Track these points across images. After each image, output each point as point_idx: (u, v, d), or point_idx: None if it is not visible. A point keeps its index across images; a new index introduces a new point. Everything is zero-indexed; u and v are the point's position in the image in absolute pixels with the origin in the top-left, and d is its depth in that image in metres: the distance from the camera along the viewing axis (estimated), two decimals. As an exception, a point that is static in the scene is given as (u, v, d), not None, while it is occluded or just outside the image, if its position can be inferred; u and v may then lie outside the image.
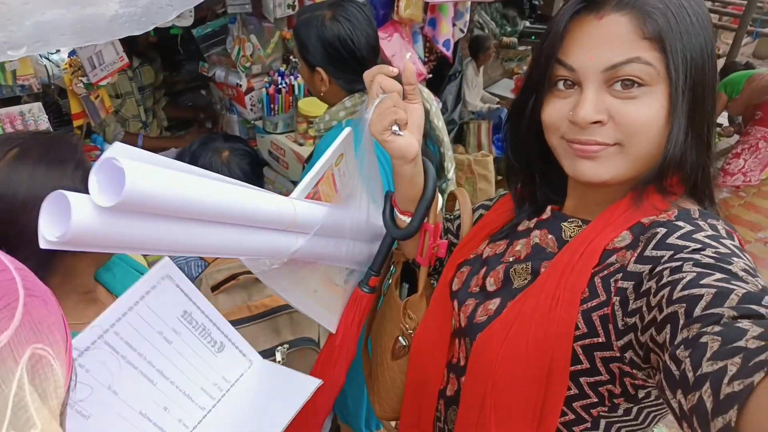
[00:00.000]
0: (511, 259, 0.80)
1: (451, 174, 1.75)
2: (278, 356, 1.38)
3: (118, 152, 0.54)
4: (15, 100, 1.73)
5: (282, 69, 2.36)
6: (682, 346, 0.48)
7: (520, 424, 0.70)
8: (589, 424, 0.70)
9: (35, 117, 1.67)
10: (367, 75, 0.79)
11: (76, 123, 1.90)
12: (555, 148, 0.73)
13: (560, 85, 0.69)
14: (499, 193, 1.35)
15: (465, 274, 0.86)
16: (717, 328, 0.46)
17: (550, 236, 0.77)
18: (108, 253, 0.87)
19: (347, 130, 0.90)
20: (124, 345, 0.69)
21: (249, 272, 1.52)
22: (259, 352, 0.89)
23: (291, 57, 2.36)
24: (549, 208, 0.80)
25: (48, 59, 1.77)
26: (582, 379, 0.67)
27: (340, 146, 0.89)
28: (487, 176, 2.96)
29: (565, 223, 0.76)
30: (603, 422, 0.70)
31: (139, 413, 0.71)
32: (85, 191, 0.52)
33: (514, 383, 0.70)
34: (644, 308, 0.58)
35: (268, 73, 2.34)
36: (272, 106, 2.27)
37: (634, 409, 0.68)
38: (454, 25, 2.40)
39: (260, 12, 2.25)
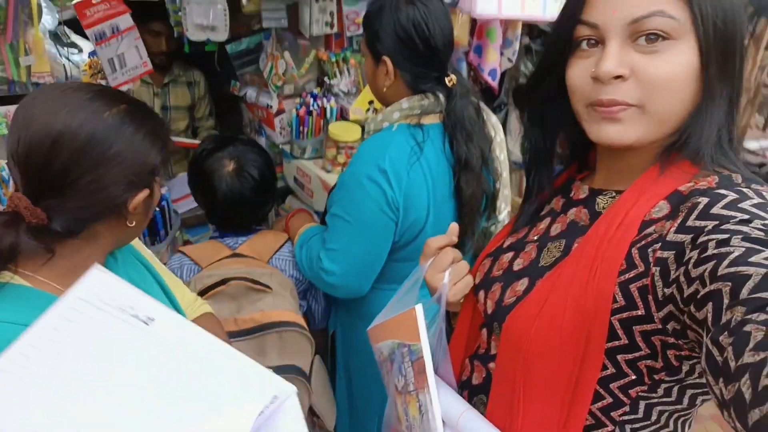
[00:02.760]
0: (535, 238, 0.81)
1: (503, 216, 1.56)
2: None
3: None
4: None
5: (315, 91, 2.22)
6: (726, 333, 0.48)
7: (550, 408, 0.69)
8: (627, 408, 0.68)
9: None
10: (433, 243, 0.88)
11: (90, 128, 1.78)
12: (580, 116, 0.73)
13: (583, 45, 0.69)
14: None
15: (487, 265, 0.88)
16: (763, 317, 0.45)
17: (584, 210, 0.77)
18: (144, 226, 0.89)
19: (419, 309, 0.80)
20: None
21: (243, 278, 1.34)
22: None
23: (326, 79, 2.23)
24: (586, 186, 0.80)
25: (68, 59, 1.67)
26: (620, 357, 0.66)
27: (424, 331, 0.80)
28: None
29: (599, 197, 0.76)
30: (642, 405, 0.68)
31: None
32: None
33: (546, 363, 0.69)
34: (683, 278, 0.57)
35: (301, 94, 2.21)
36: (301, 128, 2.13)
37: (675, 389, 0.66)
38: (501, 54, 2.23)
39: (296, 28, 2.14)
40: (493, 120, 1.55)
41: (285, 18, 2.08)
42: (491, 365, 0.81)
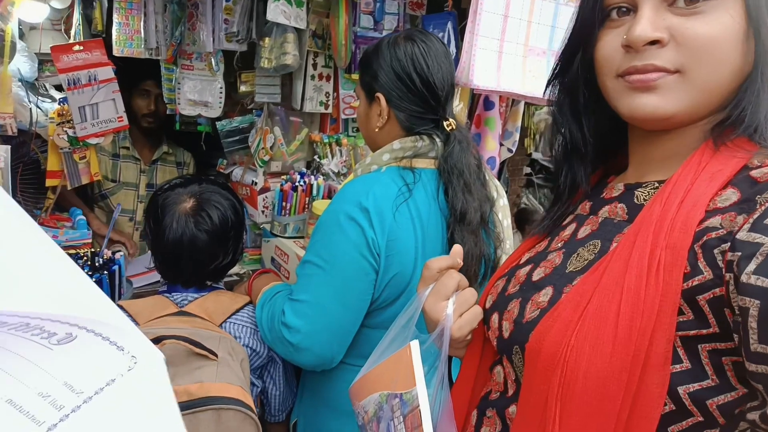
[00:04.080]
0: (559, 245, 0.70)
1: None
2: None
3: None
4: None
5: (304, 170, 2.11)
6: None
7: None
8: None
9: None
10: (434, 264, 0.73)
11: (49, 182, 1.63)
12: (609, 92, 0.64)
13: (614, 14, 0.63)
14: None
15: (500, 285, 0.74)
16: None
17: (620, 205, 0.66)
18: None
19: (415, 345, 0.67)
20: None
21: (183, 338, 1.07)
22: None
23: (316, 158, 2.12)
24: (620, 184, 0.69)
25: (37, 105, 1.57)
26: (682, 389, 0.51)
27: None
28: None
29: (638, 190, 0.65)
30: None
31: None
32: None
33: (591, 383, 0.52)
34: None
35: (288, 172, 2.09)
36: (284, 204, 1.97)
37: None
38: (501, 144, 2.15)
39: (290, 105, 2.08)
40: (496, 183, 1.38)
41: (278, 93, 2.03)
42: (511, 410, 0.65)
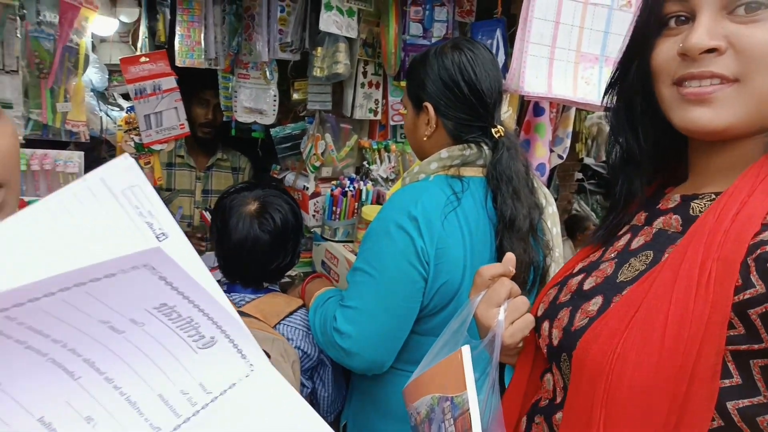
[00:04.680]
0: (613, 255, 0.70)
1: None
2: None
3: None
4: (60, 146, 1.60)
5: (353, 176, 2.15)
6: None
7: None
8: None
9: (68, 163, 1.51)
10: (486, 272, 0.74)
11: (116, 186, 1.73)
12: (663, 101, 0.64)
13: (672, 23, 0.63)
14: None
15: (553, 294, 0.74)
16: None
17: (674, 217, 0.65)
18: None
19: (466, 350, 0.67)
20: (26, 330, 0.42)
21: None
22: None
23: (365, 163, 2.16)
24: (677, 195, 0.68)
25: (107, 114, 1.67)
26: (731, 404, 0.50)
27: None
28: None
29: (694, 201, 0.64)
30: None
31: (38, 421, 0.44)
32: None
33: (637, 393, 0.52)
34: None
35: (338, 178, 2.14)
36: (335, 209, 2.01)
37: None
38: (552, 151, 2.13)
39: (341, 112, 2.13)
40: (544, 190, 1.38)
41: (329, 101, 2.08)
42: (558, 417, 0.66)
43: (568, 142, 2.11)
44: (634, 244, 0.68)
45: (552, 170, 2.26)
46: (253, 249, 1.24)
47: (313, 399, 1.36)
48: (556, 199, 3.06)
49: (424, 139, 1.24)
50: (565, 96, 1.71)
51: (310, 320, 1.27)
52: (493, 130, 1.20)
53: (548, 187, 2.42)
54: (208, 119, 2.27)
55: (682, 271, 0.54)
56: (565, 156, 2.12)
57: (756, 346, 0.50)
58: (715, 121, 0.58)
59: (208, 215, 2.28)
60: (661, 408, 0.51)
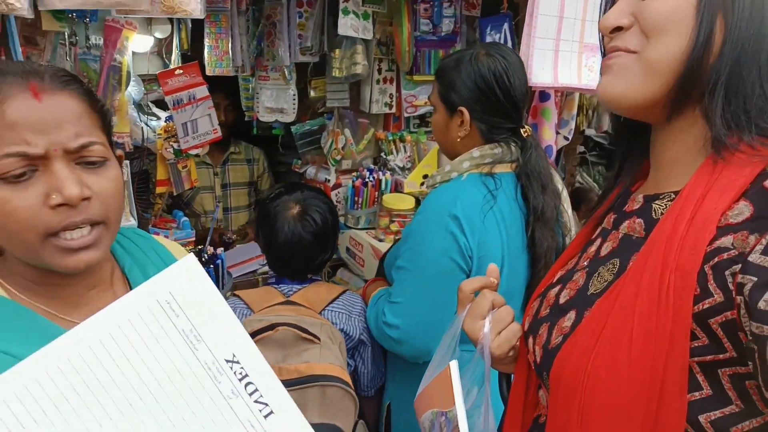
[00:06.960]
0: (585, 263, 0.68)
1: None
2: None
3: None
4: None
5: (372, 167, 2.29)
6: None
7: None
8: None
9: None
10: (466, 286, 0.78)
11: (159, 189, 1.88)
12: None
13: None
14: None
15: (535, 306, 0.74)
16: None
17: (638, 221, 0.64)
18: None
19: (454, 366, 0.71)
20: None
21: (293, 325, 1.28)
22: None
23: (382, 154, 2.30)
24: (641, 195, 0.67)
25: (146, 124, 1.81)
26: (703, 417, 0.50)
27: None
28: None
29: (655, 203, 0.63)
30: None
31: None
32: None
33: (609, 411, 0.52)
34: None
35: (358, 169, 2.28)
36: (357, 198, 2.16)
37: None
38: (558, 132, 2.25)
39: (357, 107, 2.26)
40: (557, 177, 1.51)
41: (347, 98, 2.21)
42: None
43: (572, 124, 2.23)
44: (603, 251, 0.67)
45: (558, 151, 2.39)
46: (298, 248, 1.39)
47: (355, 375, 1.53)
48: (563, 178, 3.19)
49: (458, 140, 1.33)
50: (571, 84, 1.83)
51: (367, 316, 1.42)
52: (521, 131, 1.32)
53: (556, 167, 2.56)
54: (221, 120, 2.41)
55: (643, 283, 0.54)
56: (570, 137, 2.25)
57: (721, 356, 0.49)
58: (608, 88, 0.61)
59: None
60: (633, 426, 0.51)
